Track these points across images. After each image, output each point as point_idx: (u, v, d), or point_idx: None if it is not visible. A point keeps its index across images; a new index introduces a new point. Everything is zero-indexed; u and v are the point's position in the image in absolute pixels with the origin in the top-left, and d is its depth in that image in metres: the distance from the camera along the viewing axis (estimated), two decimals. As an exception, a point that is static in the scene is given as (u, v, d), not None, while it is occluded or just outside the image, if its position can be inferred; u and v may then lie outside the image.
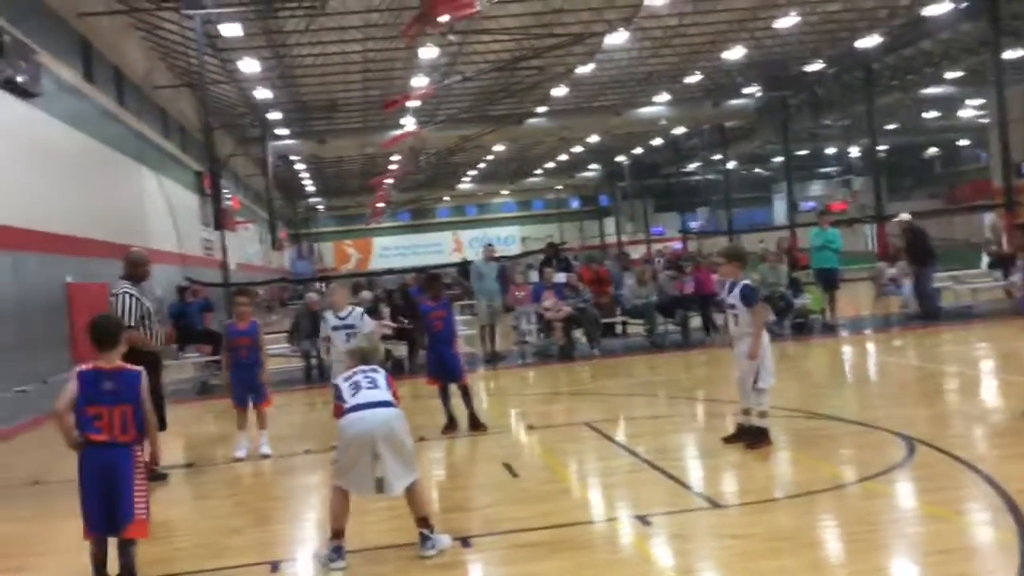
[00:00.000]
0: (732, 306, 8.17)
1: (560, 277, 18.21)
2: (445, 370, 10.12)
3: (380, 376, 6.05)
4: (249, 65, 27.31)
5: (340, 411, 5.92)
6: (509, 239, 76.86)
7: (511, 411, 11.81)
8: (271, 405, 10.00)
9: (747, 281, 8.26)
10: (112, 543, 5.37)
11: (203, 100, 25.25)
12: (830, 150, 58.32)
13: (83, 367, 5.40)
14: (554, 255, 20.26)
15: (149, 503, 5.41)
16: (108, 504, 5.23)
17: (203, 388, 16.16)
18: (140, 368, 5.47)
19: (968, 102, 47.64)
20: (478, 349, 17.41)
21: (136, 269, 8.85)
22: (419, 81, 31.89)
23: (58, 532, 7.39)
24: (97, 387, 5.28)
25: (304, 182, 58.14)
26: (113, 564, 5.38)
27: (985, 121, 43.58)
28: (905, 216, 19.59)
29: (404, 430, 5.88)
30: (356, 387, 5.94)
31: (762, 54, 36.44)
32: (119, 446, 5.28)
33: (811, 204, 51.41)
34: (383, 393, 5.92)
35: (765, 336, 8.10)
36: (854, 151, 46.67)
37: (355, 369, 6.13)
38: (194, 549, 6.09)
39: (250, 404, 9.68)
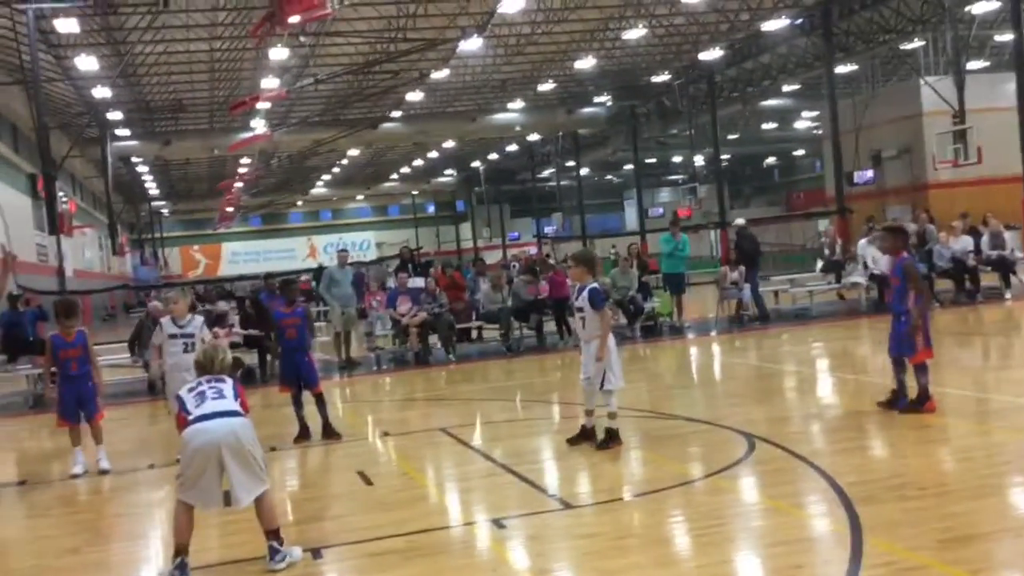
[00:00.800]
0: (580, 309, 8.33)
1: (418, 282, 18.15)
2: (299, 378, 9.91)
3: (227, 385, 5.86)
4: (87, 63, 26.09)
5: (184, 423, 5.70)
6: (365, 244, 76.13)
7: (366, 418, 11.67)
8: (104, 418, 9.50)
9: (595, 285, 8.43)
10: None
11: (36, 98, 23.92)
12: (677, 158, 60.39)
13: None
14: (409, 259, 20.18)
15: None
16: None
17: (36, 401, 15.28)
18: None
19: (804, 114, 50.25)
20: (332, 356, 17.13)
21: None
22: (269, 83, 31.21)
23: None
24: None
25: (148, 185, 55.91)
26: None
27: (819, 132, 46.07)
28: (739, 221, 20.55)
29: (252, 440, 5.71)
30: (201, 397, 5.74)
31: (612, 64, 37.45)
32: None
33: (659, 210, 53.07)
34: (229, 403, 5.73)
35: (611, 339, 8.28)
36: (699, 160, 48.47)
37: (200, 379, 5.91)
38: (29, 571, 5.73)
39: (82, 418, 9.17)
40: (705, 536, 5.68)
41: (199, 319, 9.63)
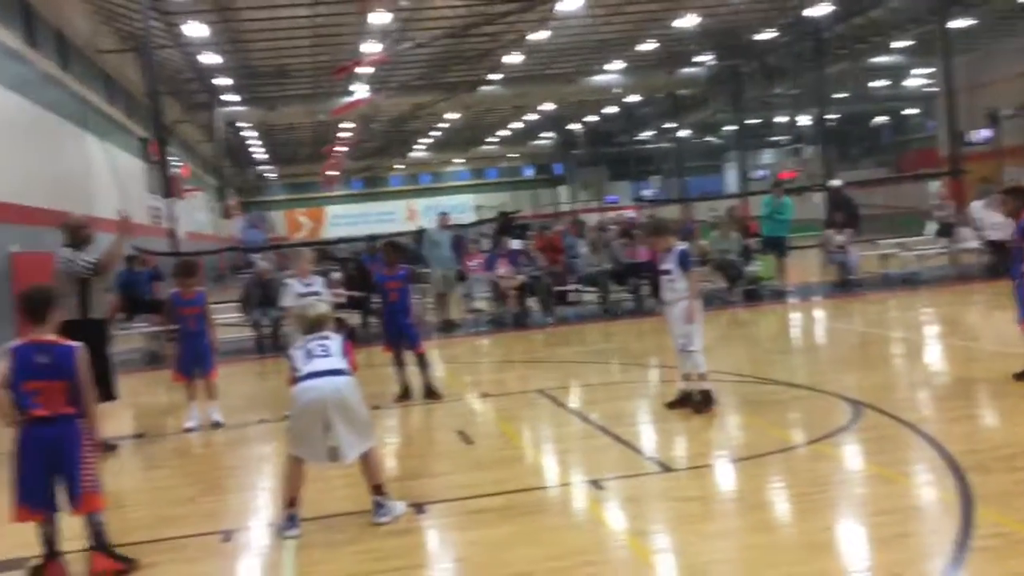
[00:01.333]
0: (668, 271, 8.25)
1: (516, 244, 18.22)
2: (401, 338, 10.09)
3: (334, 343, 6.01)
4: (196, 29, 26.77)
5: (294, 380, 5.89)
6: (463, 207, 76.57)
7: (465, 379, 11.83)
8: (217, 375, 9.87)
9: (683, 247, 8.38)
10: (75, 519, 5.24)
11: (148, 65, 24.70)
12: (781, 119, 58.83)
13: (16, 343, 5.20)
14: (507, 224, 20.25)
15: (99, 474, 5.27)
16: (58, 480, 5.09)
17: (153, 358, 15.95)
18: (77, 344, 5.26)
19: (916, 71, 48.27)
20: (432, 318, 17.38)
21: (77, 234, 8.60)
22: (370, 47, 31.50)
23: None
24: (33, 361, 5.09)
25: (254, 149, 57.31)
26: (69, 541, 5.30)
27: (932, 90, 44.23)
28: (835, 182, 20.00)
29: (357, 398, 5.86)
30: (309, 355, 5.91)
31: (715, 22, 36.52)
32: (62, 420, 5.11)
33: (762, 172, 51.89)
34: (336, 361, 5.89)
35: (698, 302, 8.21)
36: (804, 120, 47.12)
37: (309, 337, 6.09)
38: (147, 519, 6.04)
39: (197, 375, 9.56)
40: (806, 502, 5.62)
41: (319, 279, 9.98)
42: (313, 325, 6.14)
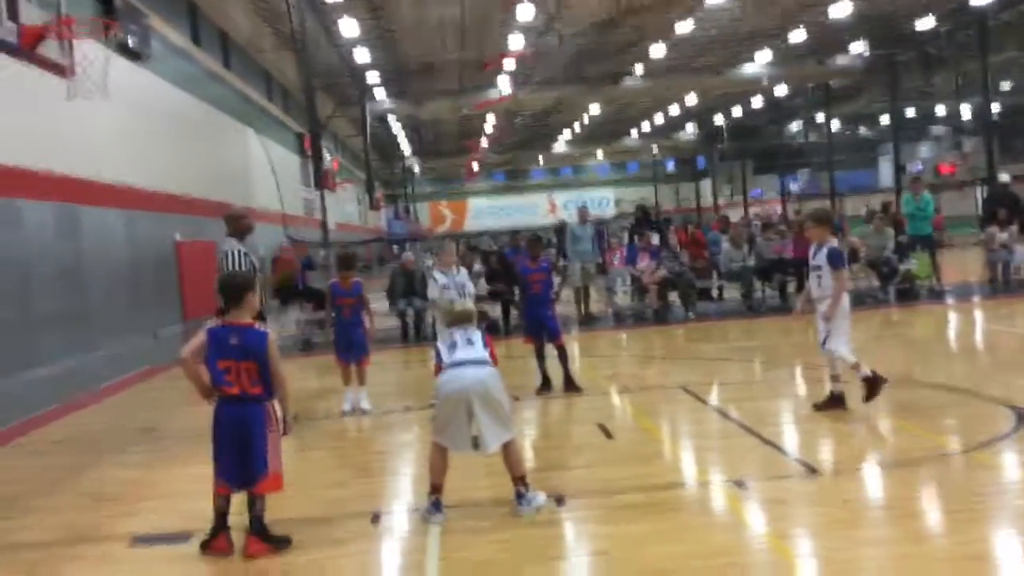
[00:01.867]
0: (818, 267, 8.08)
1: (653, 239, 18.08)
2: (543, 330, 10.17)
3: (477, 335, 6.15)
4: (349, 27, 27.63)
5: (439, 370, 6.05)
6: (604, 201, 76.39)
7: (605, 373, 11.82)
8: (369, 363, 10.22)
9: (835, 244, 8.14)
10: (239, 495, 5.55)
11: (304, 63, 25.65)
12: (940, 110, 56.10)
13: (213, 324, 5.61)
14: (645, 218, 20.06)
15: (281, 457, 5.58)
16: (243, 458, 5.43)
17: (305, 344, 16.59)
18: (267, 329, 5.69)
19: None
20: (572, 311, 17.43)
21: (239, 224, 8.99)
22: (516, 41, 31.75)
23: (170, 479, 7.75)
24: (225, 341, 5.47)
25: (400, 143, 58.73)
26: (234, 515, 5.61)
27: (1108, 79, 41.30)
28: (1004, 177, 18.94)
29: (499, 389, 5.97)
30: (453, 346, 6.08)
31: (871, 9, 35.11)
32: (250, 400, 5.46)
33: (919, 166, 49.56)
34: (479, 351, 6.02)
35: (846, 300, 7.99)
36: (965, 111, 44.73)
37: (452, 330, 6.25)
38: (298, 499, 6.31)
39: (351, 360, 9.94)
40: (962, 513, 5.38)
41: (464, 270, 10.22)
42: (458, 319, 6.31)
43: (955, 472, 6.30)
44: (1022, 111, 62.24)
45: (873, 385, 7.88)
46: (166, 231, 18.02)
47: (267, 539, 5.52)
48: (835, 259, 7.97)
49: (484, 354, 6.03)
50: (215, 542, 5.51)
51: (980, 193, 44.79)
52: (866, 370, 7.94)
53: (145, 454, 8.70)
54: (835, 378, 8.11)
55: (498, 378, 6.02)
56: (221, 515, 5.53)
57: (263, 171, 27.32)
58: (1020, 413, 7.55)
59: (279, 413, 5.59)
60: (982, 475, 6.14)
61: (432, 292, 9.95)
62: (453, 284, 9.80)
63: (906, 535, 5.10)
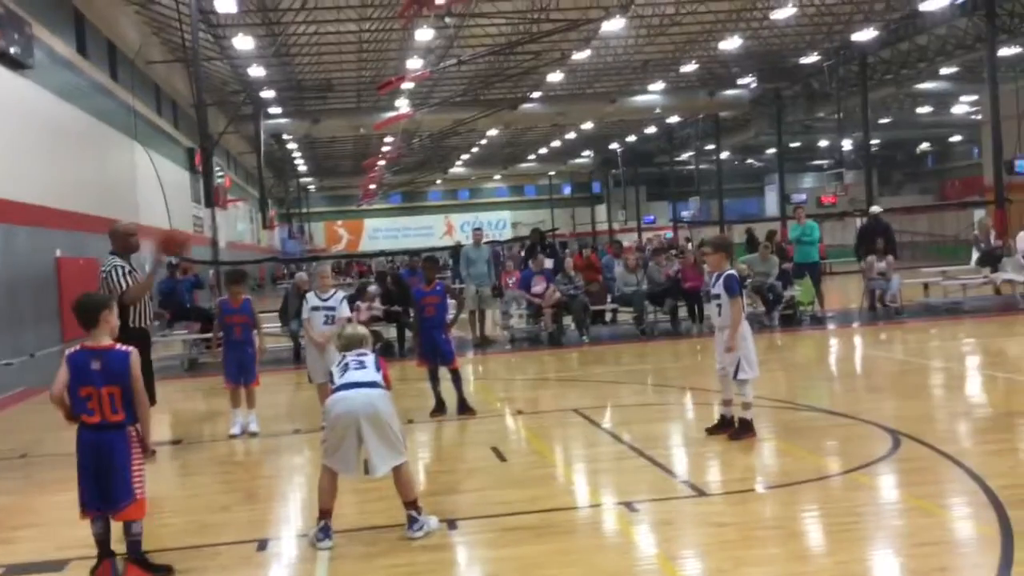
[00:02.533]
0: (717, 296, 8.20)
1: (546, 263, 18.23)
2: (436, 354, 10.13)
3: (369, 358, 6.08)
4: (243, 42, 27.18)
5: (330, 392, 5.96)
6: (501, 224, 76.86)
7: (500, 396, 11.84)
8: (259, 385, 9.98)
9: (732, 271, 8.29)
10: (116, 522, 5.35)
11: (196, 76, 25.09)
12: (823, 143, 58.43)
13: (72, 350, 5.33)
14: (539, 241, 20.22)
15: (145, 482, 5.35)
16: (104, 484, 5.19)
17: (191, 365, 16.14)
18: (130, 348, 5.37)
19: (962, 98, 47.76)
20: (467, 334, 17.42)
21: (125, 241, 8.62)
22: (414, 63, 31.79)
23: (46, 505, 7.40)
24: (86, 367, 5.20)
25: (296, 162, 57.95)
26: (117, 543, 5.39)
27: (978, 118, 43.73)
28: (875, 209, 19.87)
29: (389, 412, 5.89)
30: (345, 368, 5.99)
31: (759, 44, 36.47)
32: (111, 427, 5.20)
33: (802, 197, 51.47)
34: (370, 374, 5.93)
35: (746, 327, 8.15)
36: (847, 144, 46.71)
37: (346, 353, 6.18)
38: (182, 525, 6.10)
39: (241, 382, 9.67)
40: (843, 532, 5.55)
41: (340, 294, 10.01)
42: (349, 343, 6.26)
43: (836, 493, 6.50)
44: (900, 146, 65.42)
45: (746, 431, 8.03)
46: (46, 247, 17.32)
47: (146, 567, 5.33)
48: (732, 286, 8.08)
49: (376, 376, 5.95)
50: (99, 571, 5.31)
51: (859, 224, 46.77)
52: (751, 415, 8.11)
53: (18, 480, 8.29)
54: (726, 403, 8.27)
55: (389, 401, 5.94)
56: (100, 542, 5.32)
57: (151, 186, 26.54)
58: (896, 435, 7.85)
59: (140, 433, 5.34)
60: (861, 495, 6.35)
61: (304, 314, 9.81)
62: (324, 307, 9.65)
63: (789, 554, 5.23)
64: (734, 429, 8.08)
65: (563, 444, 8.79)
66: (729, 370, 8.06)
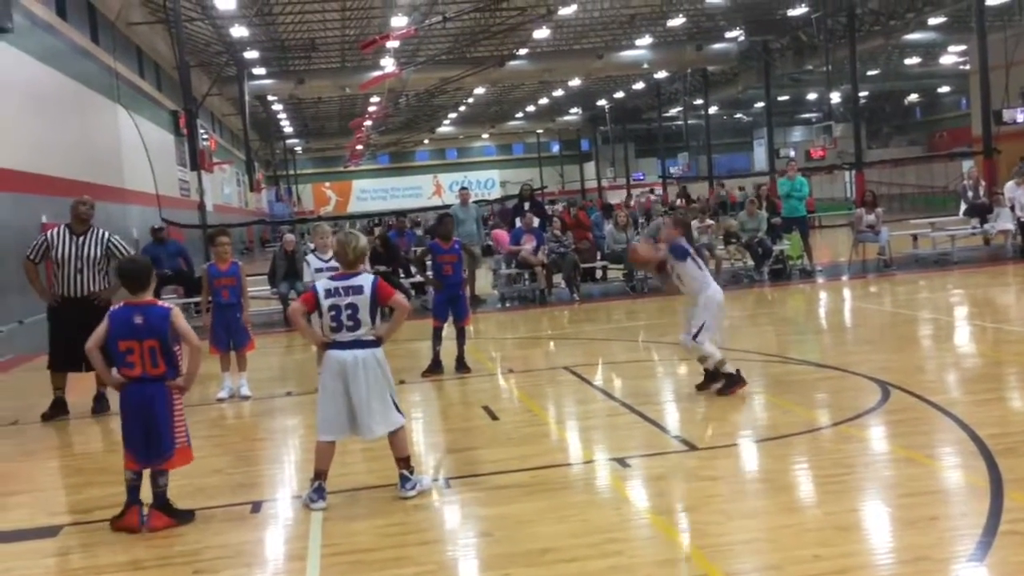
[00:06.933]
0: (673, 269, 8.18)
1: (534, 222, 18.17)
2: (453, 311, 10.07)
3: (362, 298, 5.69)
4: (225, 1, 26.79)
5: (310, 302, 5.78)
6: (489, 183, 76.56)
7: (491, 355, 11.85)
8: (254, 348, 9.95)
9: (676, 242, 8.18)
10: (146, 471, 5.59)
11: (178, 37, 24.75)
12: (811, 96, 58.19)
13: (115, 306, 5.63)
14: (529, 199, 20.11)
15: (188, 433, 5.67)
16: (148, 438, 5.46)
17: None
18: (171, 304, 5.68)
19: (950, 48, 47.53)
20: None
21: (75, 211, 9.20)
22: (399, 21, 31.41)
23: (38, 471, 7.41)
24: (128, 322, 5.44)
25: (282, 123, 57.45)
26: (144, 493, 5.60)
27: (966, 68, 43.54)
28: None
29: (384, 371, 5.83)
30: (337, 318, 5.70)
31: (746, -3, 36.12)
32: (151, 381, 5.45)
33: (791, 151, 51.34)
34: (364, 331, 5.75)
35: (718, 295, 8.17)
36: (835, 97, 46.48)
37: (338, 282, 5.77)
38: (175, 488, 6.07)
39: (230, 346, 9.62)
40: (834, 484, 5.59)
41: None
42: (342, 255, 5.90)
43: (826, 445, 6.54)
44: (889, 98, 65.18)
45: (734, 383, 8.05)
46: (31, 213, 17.16)
47: (170, 513, 5.55)
48: (677, 250, 8.05)
49: (369, 331, 5.76)
50: (126, 517, 5.49)
51: (849, 177, 46.72)
52: (730, 368, 8.13)
53: (9, 446, 8.27)
54: (703, 360, 8.28)
55: (382, 359, 5.83)
56: (132, 489, 5.53)
57: (136, 150, 26.30)
58: (886, 387, 7.89)
59: (182, 370, 5.61)
60: (851, 447, 6.39)
61: (307, 276, 9.68)
62: (327, 268, 9.54)
63: (780, 507, 5.26)
64: (721, 385, 8.10)
65: (555, 402, 8.82)
66: (693, 330, 8.06)
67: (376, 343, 5.83)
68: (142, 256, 6.44)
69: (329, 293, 5.75)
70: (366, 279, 5.80)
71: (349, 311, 5.73)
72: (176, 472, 5.73)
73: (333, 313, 5.74)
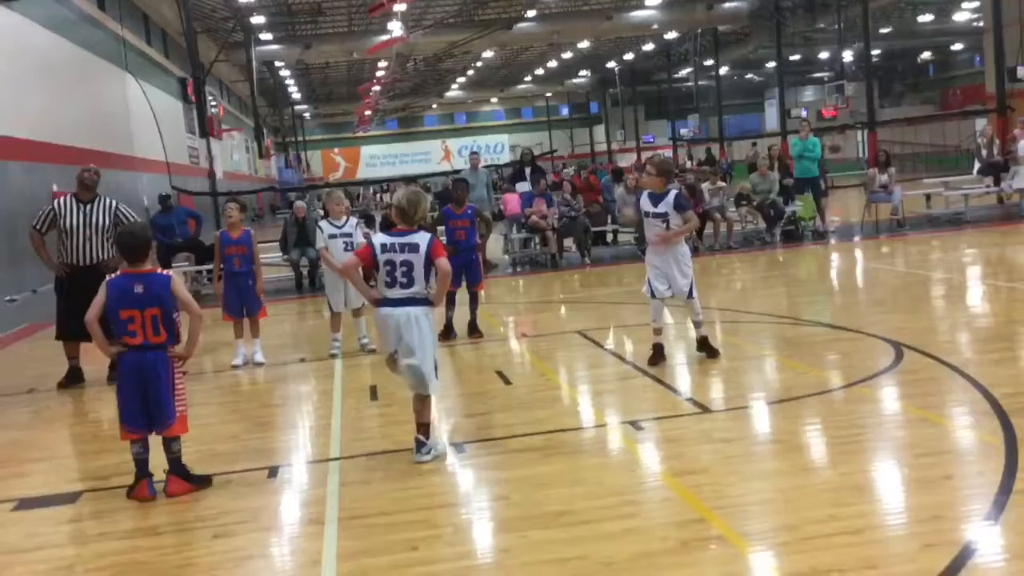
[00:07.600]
0: (661, 215, 7.98)
1: (525, 186, 18.16)
2: (467, 276, 10.06)
3: (418, 256, 5.71)
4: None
5: (367, 255, 5.86)
6: (499, 147, 76.21)
7: (503, 319, 11.86)
8: (266, 315, 9.98)
9: (678, 190, 8.18)
10: (156, 441, 5.63)
11: (184, 3, 24.57)
12: (823, 55, 57.53)
13: (112, 276, 5.62)
14: (530, 163, 20.02)
15: (187, 401, 5.70)
16: (148, 405, 5.50)
17: (193, 296, 16.10)
18: (170, 272, 5.69)
19: (963, 5, 46.86)
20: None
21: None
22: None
23: (56, 439, 7.48)
24: (129, 291, 5.45)
25: (290, 89, 57.16)
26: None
27: (980, 24, 42.94)
28: None
29: (431, 330, 5.85)
30: (391, 273, 5.73)
31: (757, -46, 35.60)
32: (151, 349, 5.48)
33: (804, 111, 50.84)
34: (418, 288, 5.75)
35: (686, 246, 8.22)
36: (847, 56, 45.89)
37: (395, 238, 5.80)
38: (192, 455, 6.14)
39: (243, 313, 9.64)
40: (848, 444, 5.59)
41: (354, 220, 9.91)
42: (408, 214, 5.83)
43: (839, 406, 6.54)
44: (902, 56, 64.41)
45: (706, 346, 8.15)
46: (42, 181, 17.17)
47: (187, 478, 5.64)
48: (680, 204, 7.96)
49: (423, 288, 5.77)
50: (137, 490, 5.55)
51: (862, 136, 46.31)
52: (705, 331, 8.27)
53: (27, 414, 8.36)
54: (698, 324, 8.27)
55: (431, 318, 5.86)
56: (140, 463, 5.58)
57: (145, 118, 26.23)
58: (899, 348, 7.88)
59: (185, 351, 5.65)
60: (864, 408, 6.39)
61: (319, 243, 9.65)
62: (340, 234, 9.53)
63: (792, 468, 5.27)
64: (711, 347, 8.16)
65: (567, 366, 8.84)
66: (684, 291, 8.04)
67: (428, 302, 5.83)
68: (140, 226, 6.39)
69: (385, 248, 5.77)
70: (423, 237, 5.80)
71: (404, 268, 5.75)
72: (193, 438, 5.79)
73: (388, 268, 5.76)
